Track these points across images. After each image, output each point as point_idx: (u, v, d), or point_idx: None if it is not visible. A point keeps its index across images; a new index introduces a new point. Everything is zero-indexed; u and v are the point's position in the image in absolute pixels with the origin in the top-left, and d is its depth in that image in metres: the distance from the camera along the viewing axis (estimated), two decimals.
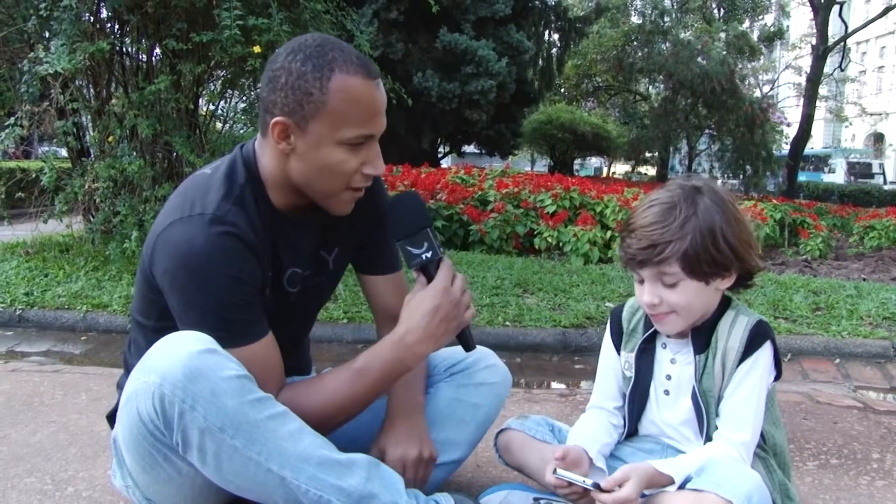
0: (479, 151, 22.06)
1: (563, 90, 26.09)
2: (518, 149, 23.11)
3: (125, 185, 4.40)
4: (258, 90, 4.69)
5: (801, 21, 31.33)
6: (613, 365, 1.54)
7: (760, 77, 29.38)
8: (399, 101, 5.12)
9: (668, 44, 20.16)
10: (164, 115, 4.49)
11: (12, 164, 8.26)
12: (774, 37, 25.66)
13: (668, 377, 1.44)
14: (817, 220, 8.22)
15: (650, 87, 25.47)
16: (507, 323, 3.69)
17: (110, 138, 4.49)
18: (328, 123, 1.25)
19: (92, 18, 4.56)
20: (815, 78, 17.62)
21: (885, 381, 3.24)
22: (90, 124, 4.99)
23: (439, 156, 20.07)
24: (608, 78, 24.12)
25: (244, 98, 5.37)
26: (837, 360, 3.42)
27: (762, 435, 1.40)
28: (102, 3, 4.53)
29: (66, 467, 1.82)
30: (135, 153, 4.41)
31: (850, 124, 38.18)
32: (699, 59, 17.98)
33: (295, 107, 1.24)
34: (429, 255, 1.31)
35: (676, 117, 19.70)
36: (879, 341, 3.50)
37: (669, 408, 1.45)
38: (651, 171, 28.47)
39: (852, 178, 28.46)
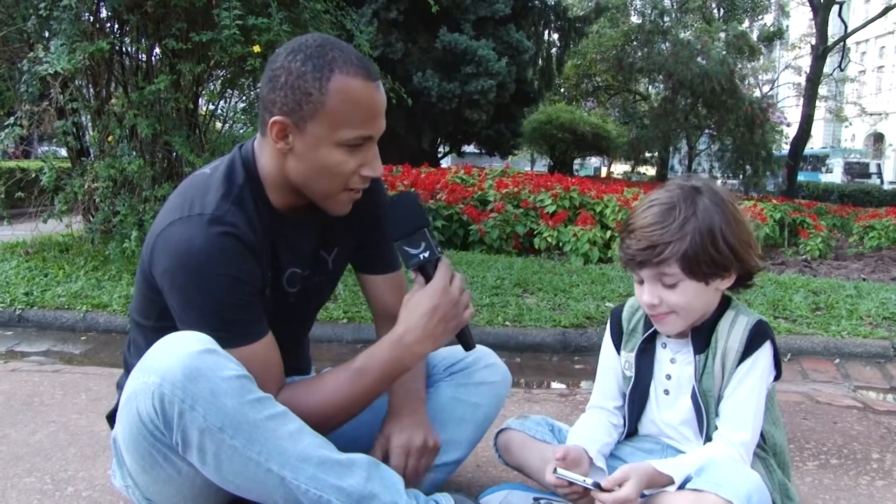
0: (478, 151, 22.05)
1: (562, 90, 26.08)
2: (518, 149, 23.10)
3: (125, 184, 4.39)
4: (258, 90, 4.69)
5: (800, 21, 31.33)
6: (613, 365, 1.54)
7: (760, 77, 29.38)
8: (399, 100, 5.12)
9: (667, 44, 20.16)
10: (164, 115, 4.49)
11: (12, 163, 8.26)
12: (774, 37, 25.67)
13: (668, 377, 1.44)
14: (817, 220, 8.22)
15: (650, 87, 25.47)
16: (507, 323, 3.69)
17: (110, 138, 4.49)
18: (327, 124, 1.25)
19: (91, 18, 4.56)
20: (814, 78, 17.62)
21: (885, 381, 3.24)
22: (90, 124, 4.98)
23: (439, 156, 20.06)
24: (608, 78, 24.11)
25: (244, 98, 5.36)
26: (837, 360, 3.42)
27: (762, 435, 1.40)
28: (102, 3, 4.53)
29: (65, 467, 1.82)
30: (134, 153, 4.41)
31: (850, 124, 38.19)
32: (699, 58, 17.97)
33: (294, 106, 1.24)
34: (426, 255, 1.30)
35: (676, 117, 19.70)
36: (879, 341, 3.51)
37: (669, 407, 1.45)
38: (650, 170, 28.47)
39: (849, 178, 28.48)
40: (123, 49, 4.93)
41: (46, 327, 3.76)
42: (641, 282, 1.37)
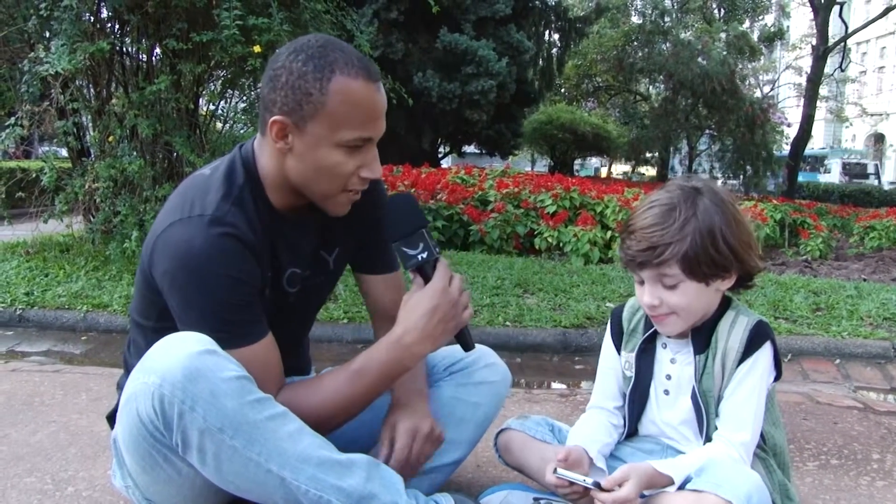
0: (479, 151, 22.06)
1: (563, 90, 26.10)
2: (518, 149, 23.11)
3: (125, 184, 4.40)
4: (258, 90, 4.69)
5: (801, 21, 31.34)
6: (614, 365, 1.54)
7: (761, 77, 29.39)
8: (399, 101, 5.12)
9: (668, 44, 20.16)
10: (165, 115, 4.49)
11: (13, 163, 8.27)
12: (775, 37, 25.67)
13: (668, 377, 1.44)
14: (817, 221, 8.22)
15: (650, 88, 25.48)
16: (508, 323, 3.69)
17: (110, 138, 4.49)
18: (326, 124, 1.25)
19: (92, 18, 4.56)
20: (815, 78, 17.61)
21: (886, 381, 3.24)
22: (90, 124, 4.99)
23: (439, 156, 20.07)
24: (608, 78, 24.12)
25: (244, 98, 5.37)
26: (837, 361, 3.42)
27: (762, 435, 1.40)
28: (103, 3, 4.53)
29: (66, 467, 1.82)
30: (135, 153, 4.41)
31: (851, 125, 38.20)
32: (699, 59, 17.98)
33: (294, 106, 1.24)
34: (424, 255, 1.30)
35: (677, 117, 19.70)
36: (880, 342, 3.50)
37: (669, 408, 1.45)
38: (649, 171, 28.47)
39: (847, 178, 28.52)
40: (124, 49, 4.94)
41: (47, 327, 3.76)
42: (642, 282, 1.37)
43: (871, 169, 30.52)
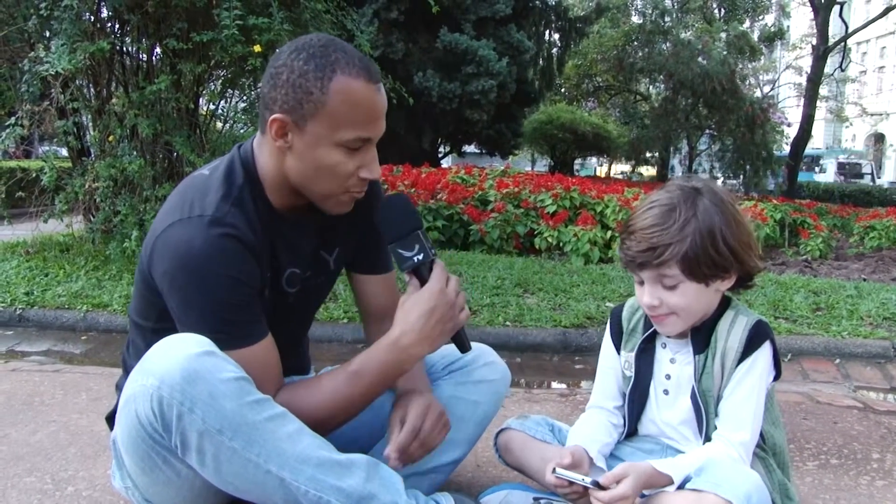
0: (479, 151, 22.04)
1: (563, 90, 26.08)
2: (518, 149, 23.09)
3: (125, 184, 4.40)
4: (258, 90, 4.69)
5: (801, 21, 31.34)
6: (613, 364, 1.54)
7: (761, 77, 29.39)
8: (400, 100, 5.12)
9: (668, 44, 20.15)
10: (165, 115, 4.49)
11: (13, 163, 8.27)
12: (775, 37, 25.65)
13: (668, 377, 1.44)
14: (817, 221, 8.22)
15: (650, 87, 25.46)
16: (508, 323, 3.69)
17: (111, 138, 4.50)
18: (326, 124, 1.25)
19: (92, 18, 4.56)
20: (815, 78, 17.62)
21: (885, 381, 3.24)
22: (90, 124, 4.99)
23: (440, 156, 20.06)
24: (608, 78, 24.11)
25: (244, 98, 5.37)
26: (837, 361, 3.42)
27: (762, 435, 1.40)
28: (103, 3, 4.53)
29: (66, 467, 1.83)
30: (135, 153, 4.41)
31: (851, 124, 38.21)
32: (700, 59, 17.97)
33: (294, 105, 1.24)
34: (420, 257, 1.30)
35: (677, 117, 19.68)
36: (880, 341, 3.50)
37: (669, 407, 1.45)
38: (650, 171, 28.46)
39: (843, 177, 28.59)
40: (124, 49, 4.94)
41: (47, 327, 3.76)
42: (641, 283, 1.37)
43: (865, 168, 30.61)
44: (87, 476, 1.77)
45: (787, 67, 30.18)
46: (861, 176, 29.37)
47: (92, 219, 4.75)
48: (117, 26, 4.87)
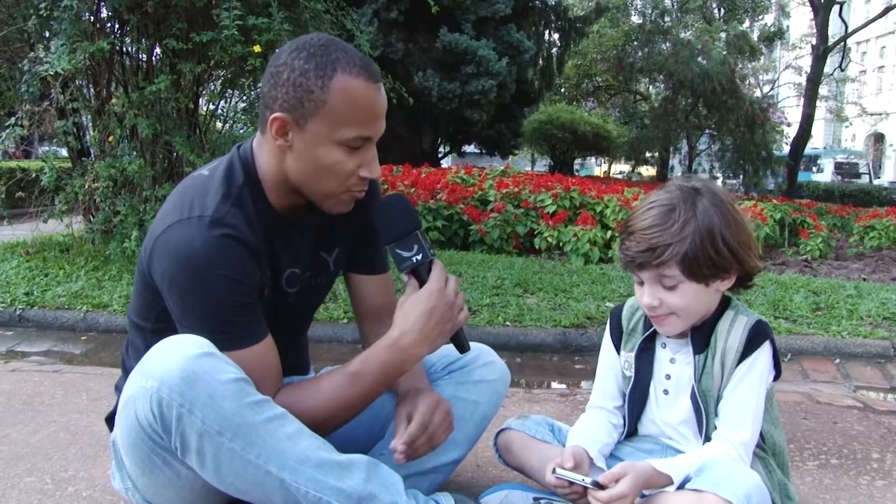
0: (479, 151, 22.04)
1: (563, 90, 26.08)
2: (518, 149, 23.10)
3: (125, 184, 4.40)
4: (258, 90, 4.70)
5: (801, 21, 31.34)
6: (613, 364, 1.54)
7: (761, 77, 29.40)
8: (399, 100, 5.12)
9: (668, 44, 20.14)
10: (164, 115, 4.49)
11: (12, 163, 8.26)
12: (774, 37, 25.64)
13: (668, 377, 1.44)
14: (817, 221, 8.21)
15: (650, 87, 25.47)
16: (508, 323, 3.69)
17: (110, 138, 4.50)
18: (327, 122, 1.25)
19: (92, 18, 4.56)
20: (815, 78, 17.62)
21: (885, 381, 3.24)
22: (90, 124, 4.99)
23: (440, 156, 20.06)
24: (608, 78, 24.11)
25: (244, 98, 5.37)
26: (837, 360, 3.42)
27: (761, 435, 1.40)
28: (102, 3, 4.53)
29: (66, 467, 1.83)
30: (135, 153, 4.42)
31: (851, 124, 38.20)
32: (699, 58, 17.96)
33: (295, 103, 1.24)
34: (419, 257, 1.30)
35: (676, 117, 19.69)
36: (879, 341, 3.50)
37: (669, 407, 1.45)
38: (649, 171, 28.47)
39: (840, 177, 28.66)
40: (124, 49, 4.94)
41: (47, 327, 3.76)
42: (641, 283, 1.37)
43: (862, 168, 30.70)
44: (87, 476, 1.77)
45: (787, 67, 30.19)
46: (858, 176, 29.46)
47: (92, 219, 4.75)
48: (117, 26, 4.87)
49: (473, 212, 6.57)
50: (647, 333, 1.47)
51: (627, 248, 1.35)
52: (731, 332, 1.38)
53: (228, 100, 5.49)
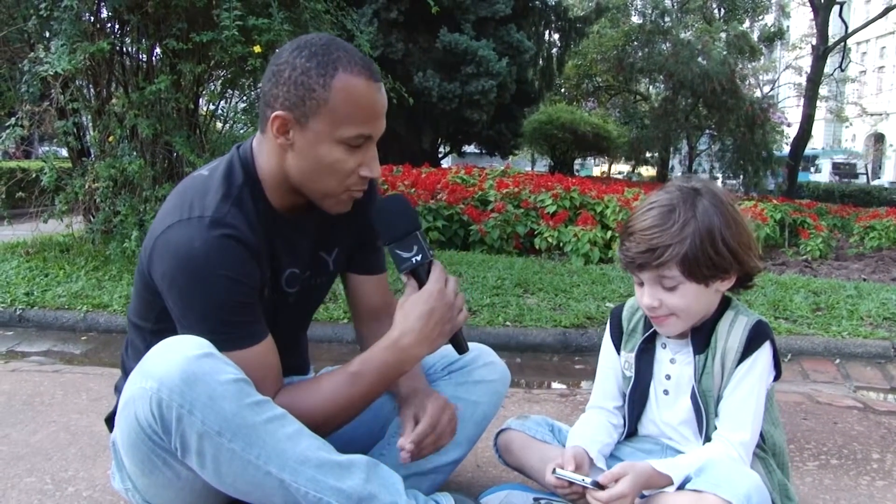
0: (479, 151, 22.04)
1: (563, 90, 26.09)
2: (518, 149, 23.10)
3: (125, 184, 4.40)
4: (258, 90, 4.70)
5: (801, 21, 31.34)
6: (613, 365, 1.54)
7: (761, 77, 29.40)
8: (400, 100, 5.12)
9: (668, 44, 20.17)
10: (165, 115, 4.49)
11: (13, 164, 8.27)
12: (775, 37, 25.66)
13: (668, 377, 1.44)
14: (817, 221, 8.21)
15: (650, 87, 25.48)
16: (508, 323, 3.69)
17: (110, 138, 4.50)
18: (328, 121, 1.25)
19: (92, 18, 4.56)
20: (815, 78, 17.63)
21: (886, 381, 3.24)
22: (90, 124, 4.99)
23: (440, 156, 20.06)
24: (608, 78, 24.12)
25: (244, 98, 5.37)
26: (837, 361, 3.42)
27: (761, 435, 1.40)
28: (103, 3, 4.53)
29: (66, 467, 1.83)
30: (135, 153, 4.42)
31: (851, 124, 38.21)
32: (699, 59, 17.97)
33: (297, 101, 1.25)
34: (419, 258, 1.30)
35: (677, 117, 19.70)
36: (880, 341, 3.50)
37: (669, 408, 1.45)
38: (649, 171, 28.48)
39: (837, 177, 28.72)
40: (124, 49, 4.94)
41: (47, 327, 3.76)
42: (641, 284, 1.37)
43: (860, 168, 30.77)
44: (87, 476, 1.77)
45: (787, 67, 30.20)
46: (856, 176, 29.55)
47: (92, 219, 4.75)
48: (117, 26, 4.88)
49: (473, 212, 6.57)
50: (647, 334, 1.47)
51: (627, 249, 1.35)
52: (732, 332, 1.38)
53: (228, 100, 5.49)
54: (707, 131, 20.75)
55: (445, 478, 1.57)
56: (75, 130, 4.72)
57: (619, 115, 25.42)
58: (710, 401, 1.39)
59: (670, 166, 24.72)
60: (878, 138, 40.62)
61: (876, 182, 29.83)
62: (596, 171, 31.30)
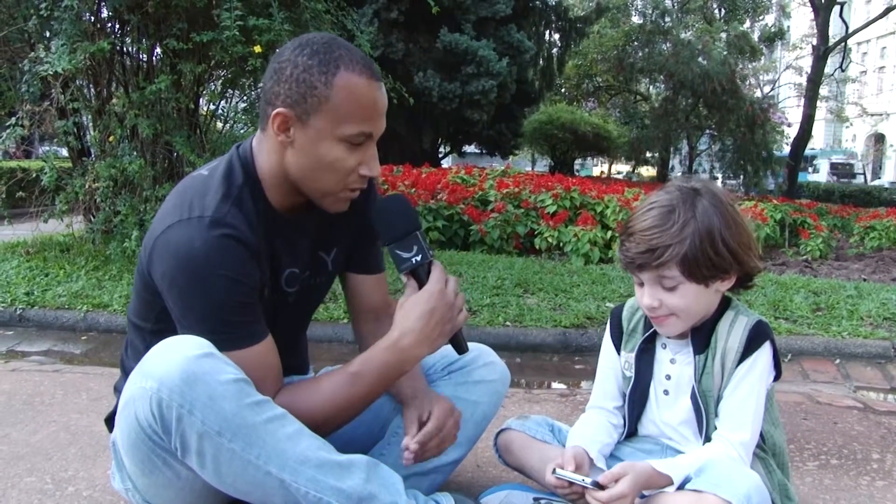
0: (479, 151, 22.04)
1: (563, 90, 26.09)
2: (519, 149, 23.10)
3: (126, 184, 4.40)
4: (259, 90, 4.70)
5: (801, 21, 31.35)
6: (613, 365, 1.54)
7: (761, 77, 29.41)
8: (400, 100, 5.12)
9: (668, 44, 20.17)
10: (165, 115, 4.49)
11: (13, 163, 8.27)
12: (775, 37, 25.66)
13: (668, 377, 1.44)
14: (817, 221, 8.21)
15: (651, 88, 25.48)
16: (508, 323, 3.69)
17: (111, 138, 4.50)
18: (329, 118, 1.25)
19: (92, 18, 4.57)
20: (815, 78, 17.63)
21: (886, 381, 3.24)
22: (91, 124, 5.00)
23: (440, 156, 20.06)
24: (609, 78, 24.12)
25: (245, 98, 5.37)
26: (838, 361, 3.42)
27: (761, 435, 1.40)
28: (103, 3, 4.53)
29: (66, 467, 1.83)
30: (135, 153, 4.42)
31: (851, 125, 38.22)
32: (700, 59, 17.97)
33: (298, 99, 1.25)
34: (418, 258, 1.30)
35: (677, 117, 19.70)
36: (880, 342, 3.50)
37: (669, 408, 1.45)
38: (650, 171, 28.48)
39: (835, 178, 28.76)
40: (124, 49, 4.94)
41: (47, 327, 3.76)
42: (641, 284, 1.37)
43: (858, 169, 30.82)
44: (87, 476, 1.77)
45: (788, 67, 30.21)
46: (854, 176, 29.57)
47: (92, 219, 4.75)
48: (117, 26, 4.88)
49: (474, 212, 6.57)
50: (647, 334, 1.47)
51: (627, 250, 1.35)
52: (732, 332, 1.38)
53: (229, 100, 5.49)
54: (707, 131, 20.75)
55: (445, 478, 1.57)
56: (75, 130, 4.72)
57: (620, 115, 25.42)
58: (710, 401, 1.39)
59: (670, 166, 24.72)
60: (879, 138, 40.61)
61: (876, 182, 29.87)
62: (596, 172, 31.34)
